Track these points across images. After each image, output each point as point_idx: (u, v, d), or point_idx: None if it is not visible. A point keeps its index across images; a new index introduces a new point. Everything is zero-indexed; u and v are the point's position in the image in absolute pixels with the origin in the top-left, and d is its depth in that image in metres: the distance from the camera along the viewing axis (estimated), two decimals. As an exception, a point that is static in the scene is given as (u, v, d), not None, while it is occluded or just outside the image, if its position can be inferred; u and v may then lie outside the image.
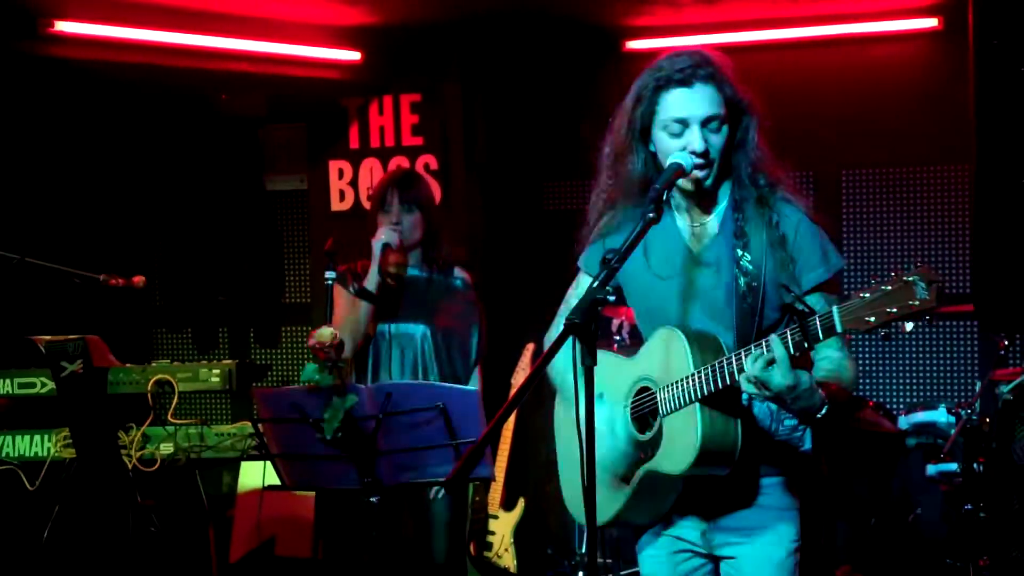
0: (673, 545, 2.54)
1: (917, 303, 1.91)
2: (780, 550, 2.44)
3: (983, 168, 1.63)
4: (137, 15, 4.83)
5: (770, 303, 2.35)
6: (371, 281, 3.65)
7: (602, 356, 2.67)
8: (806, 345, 2.08)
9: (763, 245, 2.35)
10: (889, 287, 1.95)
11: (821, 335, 2.05)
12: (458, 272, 3.80)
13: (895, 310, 1.93)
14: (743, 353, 2.18)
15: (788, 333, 2.10)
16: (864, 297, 1.98)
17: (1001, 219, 1.65)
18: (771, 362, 2.09)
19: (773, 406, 2.40)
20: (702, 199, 2.46)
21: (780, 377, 2.08)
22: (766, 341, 2.13)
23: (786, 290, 2.24)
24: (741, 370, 2.16)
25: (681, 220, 2.51)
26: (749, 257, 2.35)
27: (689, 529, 2.51)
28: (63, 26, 4.66)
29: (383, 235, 3.66)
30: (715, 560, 2.52)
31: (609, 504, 2.51)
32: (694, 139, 2.35)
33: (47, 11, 4.61)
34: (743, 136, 2.42)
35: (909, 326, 1.94)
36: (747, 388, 2.16)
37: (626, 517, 2.55)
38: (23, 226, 5.03)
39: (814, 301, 2.25)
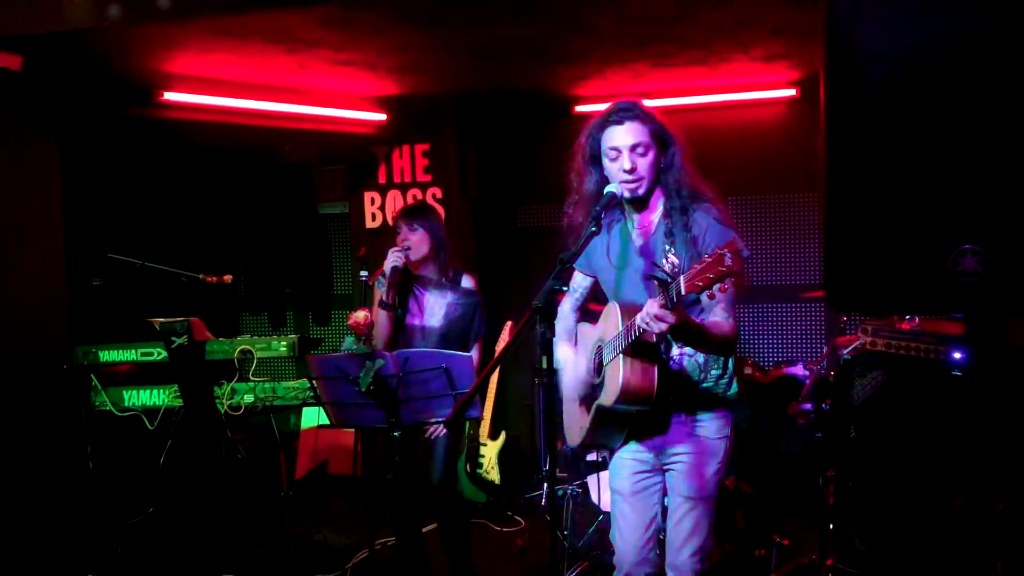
0: (634, 467, 2.50)
1: (724, 268, 1.94)
2: (708, 468, 2.41)
3: (833, 188, 1.62)
4: (225, 88, 4.76)
5: None
6: (387, 295, 3.49)
7: (582, 327, 2.67)
8: (673, 298, 2.08)
9: (682, 241, 2.33)
10: (709, 259, 1.97)
11: (675, 297, 2.07)
12: (466, 279, 3.64)
13: (712, 275, 1.96)
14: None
15: (660, 296, 2.11)
16: (696, 267, 2.00)
17: (844, 230, 1.65)
18: (653, 302, 2.12)
19: (700, 359, 2.38)
20: (642, 206, 2.43)
21: (655, 309, 2.10)
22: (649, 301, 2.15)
23: (654, 265, 2.25)
24: (639, 325, 2.17)
25: (631, 223, 2.47)
26: (674, 251, 2.33)
27: (645, 452, 2.48)
28: (170, 95, 4.58)
29: (391, 259, 3.45)
30: (663, 474, 2.49)
31: (582, 430, 2.50)
32: (624, 161, 2.34)
33: (159, 84, 4.53)
34: (670, 160, 2.40)
35: (726, 284, 1.96)
36: (643, 324, 2.14)
37: (592, 440, 2.52)
38: (144, 240, 4.95)
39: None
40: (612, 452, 2.57)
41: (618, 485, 2.53)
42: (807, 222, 5.35)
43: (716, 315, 2.33)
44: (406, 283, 3.56)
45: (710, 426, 2.42)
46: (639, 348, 2.23)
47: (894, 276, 1.64)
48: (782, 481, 4.18)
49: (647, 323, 2.11)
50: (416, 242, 3.52)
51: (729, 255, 1.92)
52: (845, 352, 3.36)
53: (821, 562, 3.52)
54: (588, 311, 2.74)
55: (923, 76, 1.62)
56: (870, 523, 3.54)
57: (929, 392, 3.30)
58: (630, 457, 2.50)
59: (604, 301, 2.58)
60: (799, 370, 4.07)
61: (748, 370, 4.21)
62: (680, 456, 2.42)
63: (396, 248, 3.48)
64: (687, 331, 2.20)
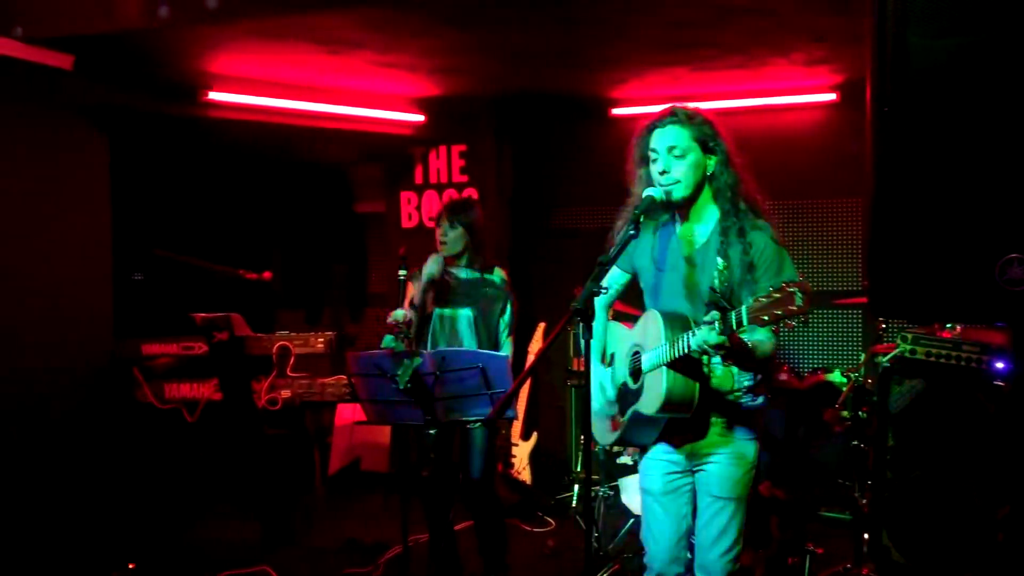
0: (666, 467, 2.50)
1: (795, 308, 1.94)
2: (739, 469, 2.42)
3: (879, 195, 1.63)
4: (267, 88, 4.83)
5: (736, 300, 2.31)
6: (418, 298, 3.54)
7: (615, 327, 2.66)
8: (732, 327, 2.09)
9: (737, 263, 2.32)
10: (778, 295, 1.96)
11: (734, 325, 2.08)
12: (498, 271, 3.68)
13: (780, 312, 1.96)
14: (692, 331, 2.19)
15: (716, 322, 2.11)
16: (761, 301, 1.99)
17: (888, 236, 1.65)
18: (711, 331, 2.12)
19: (734, 370, 2.39)
20: (686, 212, 2.43)
21: (715, 339, 2.11)
22: (705, 323, 2.14)
23: (713, 291, 2.25)
24: (690, 346, 2.18)
25: (679, 228, 2.46)
26: (727, 267, 2.32)
27: (677, 454, 2.48)
28: (214, 95, 4.66)
29: (430, 267, 3.50)
30: (693, 475, 2.49)
31: (613, 431, 2.52)
32: (660, 162, 2.35)
33: (204, 84, 4.62)
34: (716, 169, 2.39)
35: (793, 322, 1.95)
36: (699, 349, 2.16)
37: (624, 440, 2.54)
38: (185, 236, 5.04)
39: None
40: (642, 451, 2.58)
41: (649, 485, 2.54)
42: (845, 228, 5.28)
43: (759, 333, 2.31)
44: (441, 275, 3.62)
45: (741, 429, 2.43)
46: (682, 360, 2.25)
47: (939, 284, 1.64)
48: (817, 489, 4.14)
49: (705, 351, 2.13)
50: (454, 238, 3.58)
51: (800, 294, 1.91)
52: (884, 359, 3.33)
53: (856, 571, 3.48)
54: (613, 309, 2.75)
55: (971, 84, 1.61)
56: (907, 533, 3.49)
57: (969, 401, 3.25)
58: (662, 458, 2.51)
59: (630, 300, 2.58)
60: (836, 377, 4.03)
61: (784, 376, 4.17)
62: (711, 457, 2.43)
63: (437, 255, 3.54)
64: (737, 352, 2.22)
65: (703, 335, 2.12)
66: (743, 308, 2.03)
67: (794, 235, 5.35)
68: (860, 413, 3.58)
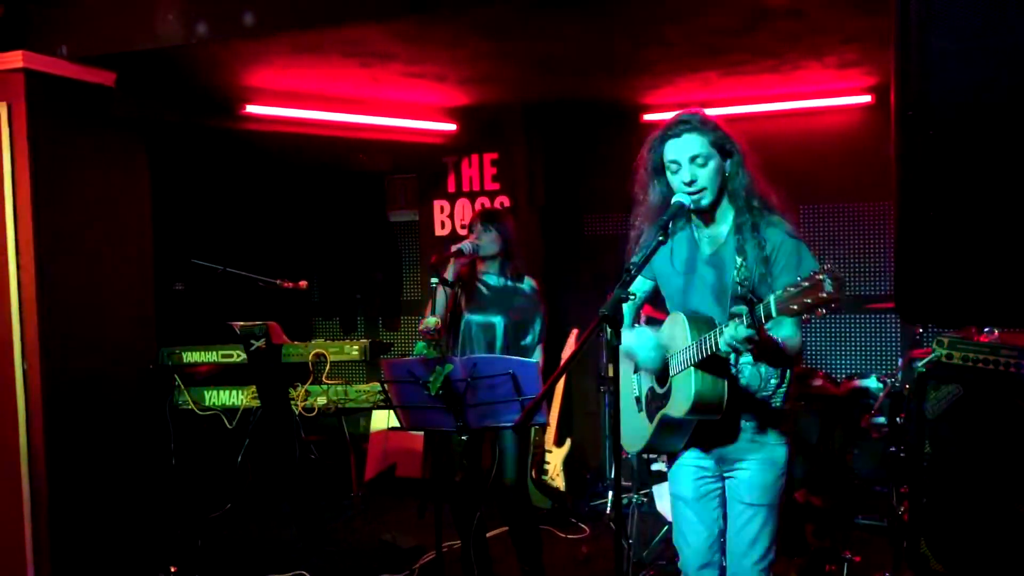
0: (696, 473, 2.50)
1: (825, 295, 1.88)
2: (770, 475, 2.40)
3: (903, 202, 1.63)
4: (302, 100, 4.92)
5: (756, 297, 2.31)
6: (449, 273, 3.59)
7: (642, 330, 2.66)
8: (760, 321, 2.06)
9: (754, 259, 2.32)
10: (807, 284, 1.92)
11: (763, 317, 2.05)
12: (528, 280, 3.73)
13: (810, 300, 1.91)
14: (719, 328, 2.18)
15: (744, 315, 2.09)
16: (790, 291, 1.96)
17: (916, 240, 1.65)
18: (739, 326, 2.10)
19: (762, 369, 2.38)
20: (707, 216, 2.44)
21: (744, 332, 2.08)
22: (733, 317, 2.13)
23: (738, 285, 2.24)
24: (718, 344, 2.16)
25: (697, 232, 2.48)
26: (745, 265, 2.32)
27: (706, 459, 2.48)
28: (252, 108, 4.76)
29: (463, 244, 3.61)
30: (723, 480, 2.49)
31: (643, 437, 2.51)
32: (684, 173, 2.36)
33: (241, 97, 4.72)
34: (733, 170, 2.39)
35: (823, 311, 1.90)
36: (724, 347, 2.14)
37: (653, 446, 2.52)
38: (224, 246, 5.15)
39: None
40: (671, 457, 2.58)
41: (680, 491, 2.54)
42: (882, 231, 5.23)
43: (785, 329, 2.31)
44: (472, 280, 3.66)
45: (771, 434, 2.41)
46: (709, 360, 2.25)
47: (968, 287, 1.64)
48: (853, 496, 4.09)
49: (734, 347, 2.10)
50: (488, 241, 3.63)
51: (830, 281, 1.87)
52: (920, 364, 3.28)
53: (894, 580, 3.43)
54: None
55: (995, 86, 1.61)
56: (945, 540, 3.44)
57: (1008, 407, 3.19)
58: (691, 464, 2.51)
59: (658, 305, 2.59)
60: (872, 383, 3.98)
61: (819, 381, 4.13)
62: (741, 463, 2.42)
63: (471, 238, 3.63)
64: (766, 349, 2.20)
65: (731, 331, 2.10)
66: (771, 298, 2.00)
67: (829, 238, 5.31)
68: (897, 419, 3.53)
